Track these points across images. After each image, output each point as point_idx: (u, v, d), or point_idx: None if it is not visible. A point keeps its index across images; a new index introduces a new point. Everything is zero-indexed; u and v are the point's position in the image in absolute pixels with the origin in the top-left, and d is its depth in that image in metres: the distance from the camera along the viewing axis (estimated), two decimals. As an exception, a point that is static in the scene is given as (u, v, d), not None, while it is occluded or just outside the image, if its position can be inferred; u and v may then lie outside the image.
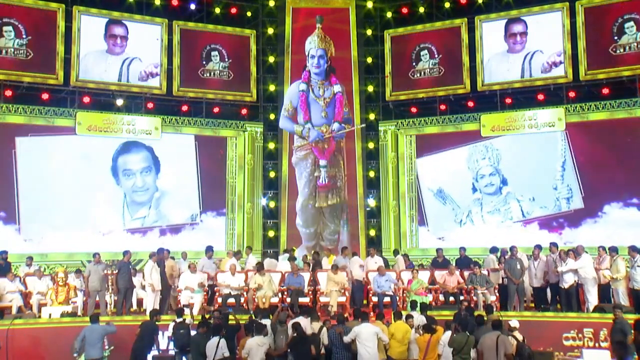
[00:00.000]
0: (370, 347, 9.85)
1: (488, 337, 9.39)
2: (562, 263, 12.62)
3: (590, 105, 17.66)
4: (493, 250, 14.76)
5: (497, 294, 13.15)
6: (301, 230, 18.68)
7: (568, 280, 12.54)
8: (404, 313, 11.26)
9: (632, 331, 9.81)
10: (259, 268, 13.67)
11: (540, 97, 18.33)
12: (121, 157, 18.21)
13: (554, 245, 13.41)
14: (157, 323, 10.94)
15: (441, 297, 13.29)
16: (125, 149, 18.26)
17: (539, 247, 13.56)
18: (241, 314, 12.04)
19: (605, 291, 12.79)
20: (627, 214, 16.83)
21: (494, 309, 11.74)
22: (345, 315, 11.60)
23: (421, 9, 19.84)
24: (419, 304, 11.47)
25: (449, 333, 9.97)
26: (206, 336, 10.11)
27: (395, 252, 17.36)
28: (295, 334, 10.03)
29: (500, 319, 10.30)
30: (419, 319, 10.72)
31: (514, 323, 10.46)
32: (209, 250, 14.85)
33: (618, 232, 16.29)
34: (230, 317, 11.30)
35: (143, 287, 13.56)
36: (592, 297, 12.43)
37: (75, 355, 10.52)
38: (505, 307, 13.01)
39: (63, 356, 10.97)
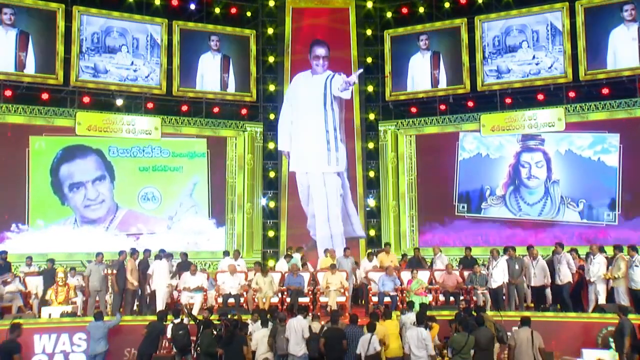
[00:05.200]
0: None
1: (522, 332, 9.70)
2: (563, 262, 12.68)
3: (590, 105, 17.67)
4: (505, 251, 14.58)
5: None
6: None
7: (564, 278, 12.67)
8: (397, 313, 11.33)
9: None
10: (262, 268, 13.70)
11: (540, 97, 18.33)
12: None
13: (559, 245, 13.35)
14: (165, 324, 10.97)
15: (441, 297, 13.28)
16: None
17: (532, 247, 13.57)
18: (241, 314, 12.02)
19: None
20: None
21: (486, 310, 11.77)
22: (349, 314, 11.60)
23: (421, 9, 19.83)
24: (417, 304, 11.47)
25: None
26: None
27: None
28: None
29: (494, 318, 10.39)
30: (412, 317, 10.76)
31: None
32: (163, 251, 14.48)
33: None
34: (236, 317, 11.28)
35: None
36: (602, 297, 12.37)
37: None
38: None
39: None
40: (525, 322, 9.97)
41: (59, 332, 11.59)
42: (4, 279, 12.84)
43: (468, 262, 14.36)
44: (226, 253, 15.66)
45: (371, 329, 10.03)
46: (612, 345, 10.58)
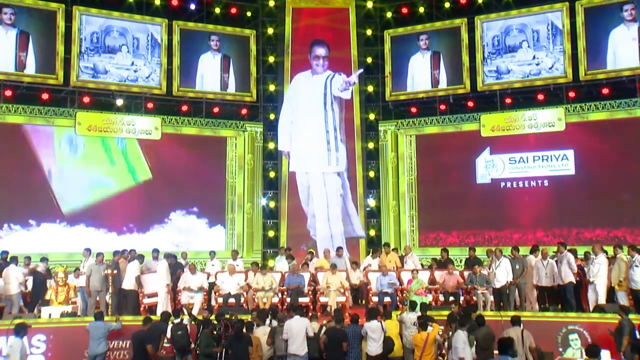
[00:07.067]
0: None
1: (512, 331, 9.67)
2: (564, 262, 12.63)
3: (590, 105, 17.67)
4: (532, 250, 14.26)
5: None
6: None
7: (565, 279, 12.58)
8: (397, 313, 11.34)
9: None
10: (261, 267, 13.70)
11: (540, 97, 18.34)
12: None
13: (562, 245, 13.30)
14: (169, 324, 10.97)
15: (441, 297, 13.27)
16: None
17: (537, 248, 13.52)
18: (241, 314, 12.01)
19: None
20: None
21: (478, 310, 11.80)
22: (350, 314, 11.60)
23: (421, 9, 19.84)
24: (418, 304, 11.46)
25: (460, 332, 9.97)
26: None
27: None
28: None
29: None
30: (413, 317, 10.76)
31: None
32: (155, 251, 14.30)
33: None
34: (233, 317, 11.26)
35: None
36: (602, 297, 12.34)
37: None
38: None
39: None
40: (515, 321, 9.95)
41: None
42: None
43: (472, 263, 14.31)
44: (212, 253, 15.58)
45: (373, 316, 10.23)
46: (571, 344, 10.62)
